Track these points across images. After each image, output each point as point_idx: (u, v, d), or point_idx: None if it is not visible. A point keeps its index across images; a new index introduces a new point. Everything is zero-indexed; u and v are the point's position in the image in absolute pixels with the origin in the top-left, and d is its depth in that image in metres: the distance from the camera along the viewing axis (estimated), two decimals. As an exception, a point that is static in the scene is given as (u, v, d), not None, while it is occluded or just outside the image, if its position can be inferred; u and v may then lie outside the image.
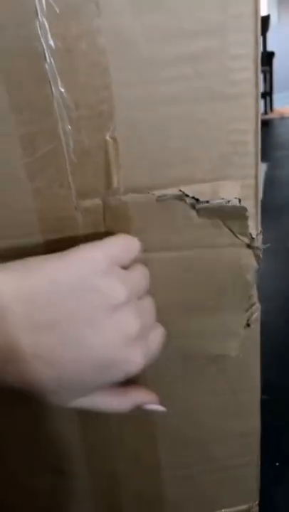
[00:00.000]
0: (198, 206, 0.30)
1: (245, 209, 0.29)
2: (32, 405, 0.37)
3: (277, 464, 0.55)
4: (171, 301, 0.33)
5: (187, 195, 0.30)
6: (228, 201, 0.30)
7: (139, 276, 0.27)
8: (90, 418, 0.38)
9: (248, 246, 0.31)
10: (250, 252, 0.31)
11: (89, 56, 0.26)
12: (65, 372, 0.24)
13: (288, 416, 0.62)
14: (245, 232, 0.30)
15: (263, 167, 2.15)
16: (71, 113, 0.27)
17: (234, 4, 0.25)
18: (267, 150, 2.65)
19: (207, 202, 0.30)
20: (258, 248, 0.31)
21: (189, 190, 0.30)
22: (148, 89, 0.27)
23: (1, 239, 0.30)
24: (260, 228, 0.32)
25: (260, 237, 0.32)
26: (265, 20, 3.79)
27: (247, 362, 0.37)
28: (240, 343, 0.35)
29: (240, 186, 0.30)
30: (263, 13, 4.29)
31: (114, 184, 0.29)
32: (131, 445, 0.40)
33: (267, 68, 3.97)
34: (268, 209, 1.53)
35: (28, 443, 0.39)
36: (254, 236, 0.31)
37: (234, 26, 0.25)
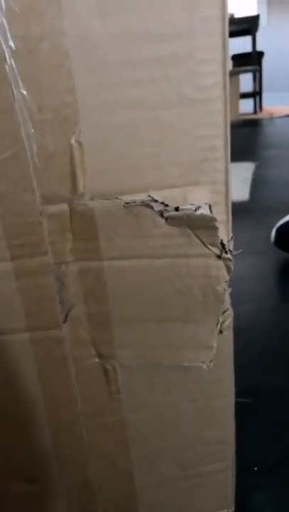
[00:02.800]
0: (166, 214, 0.29)
1: (214, 219, 0.29)
2: (1, 415, 0.37)
3: (255, 468, 0.55)
4: (141, 310, 0.32)
5: (156, 201, 0.29)
6: (198, 207, 0.29)
7: None
8: (61, 426, 0.38)
9: (219, 257, 0.30)
10: (220, 263, 0.30)
11: (52, 58, 0.25)
12: None
13: (270, 419, 0.62)
14: (215, 243, 0.30)
15: (250, 167, 2.15)
16: (34, 116, 0.26)
17: (201, 7, 0.24)
18: (255, 150, 2.65)
19: (176, 209, 0.29)
20: (228, 259, 0.30)
21: (158, 195, 0.29)
22: (113, 93, 0.26)
23: None
24: (231, 235, 0.31)
25: (232, 243, 0.31)
26: (255, 20, 3.80)
27: (220, 369, 0.36)
28: (212, 354, 0.34)
29: (210, 192, 0.30)
30: (253, 12, 4.30)
31: (80, 189, 0.28)
32: (103, 452, 0.39)
33: (256, 68, 3.97)
34: (255, 209, 1.53)
35: (0, 454, 0.39)
36: (225, 243, 0.31)
37: (201, 30, 0.25)
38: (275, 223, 1.09)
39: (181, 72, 0.26)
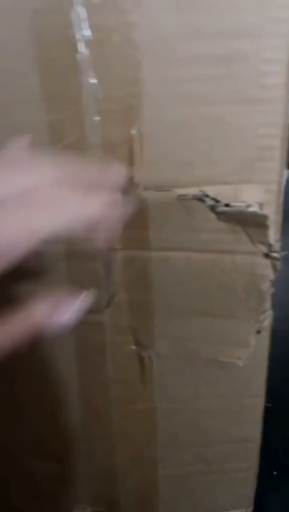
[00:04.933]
0: (218, 209, 0.29)
1: (266, 217, 0.29)
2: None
3: (275, 473, 0.54)
4: (183, 302, 0.33)
5: (208, 196, 0.30)
6: (249, 205, 0.30)
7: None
8: (92, 409, 0.39)
9: (266, 255, 0.30)
10: (267, 261, 0.30)
11: (122, 50, 0.26)
12: None
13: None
14: (264, 241, 0.30)
15: (285, 173, 2.12)
16: (99, 105, 0.27)
17: (274, 8, 0.25)
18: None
19: (227, 205, 0.30)
20: (276, 258, 0.30)
21: (211, 191, 0.30)
22: (178, 87, 0.27)
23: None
24: (279, 235, 0.32)
25: (279, 244, 0.32)
26: None
27: (254, 368, 0.36)
28: (249, 352, 0.34)
29: (262, 191, 0.30)
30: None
31: (136, 179, 0.29)
32: (131, 439, 0.40)
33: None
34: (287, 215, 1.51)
35: (30, 431, 0.40)
36: (272, 243, 0.31)
37: (271, 30, 0.25)
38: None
39: (246, 70, 0.26)
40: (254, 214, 0.29)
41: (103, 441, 0.40)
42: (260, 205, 0.30)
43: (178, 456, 0.41)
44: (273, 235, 0.31)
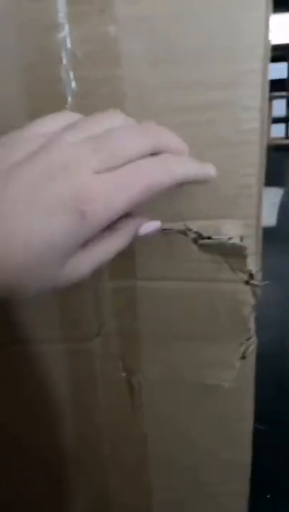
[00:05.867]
0: (200, 242, 0.31)
1: (244, 248, 0.31)
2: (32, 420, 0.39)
3: (268, 496, 0.55)
4: (170, 329, 0.34)
5: (191, 230, 0.32)
6: (230, 238, 0.31)
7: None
8: (84, 434, 0.40)
9: (247, 283, 0.32)
10: (248, 288, 0.32)
11: (108, 101, 0.28)
12: (29, 234, 0.19)
13: (284, 448, 0.62)
14: (244, 269, 0.32)
15: (279, 193, 2.15)
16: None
17: (244, 61, 0.27)
18: (285, 175, 2.65)
19: (209, 238, 0.32)
20: (256, 285, 0.32)
21: (193, 225, 0.32)
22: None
23: None
24: (260, 265, 0.33)
25: (260, 274, 0.33)
26: (287, 48, 3.84)
27: (241, 393, 0.38)
28: (235, 374, 0.36)
29: (242, 225, 0.32)
30: (286, 40, 4.33)
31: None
32: (123, 464, 0.41)
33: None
34: (282, 235, 1.53)
35: (24, 456, 0.41)
36: (253, 273, 0.33)
37: (245, 80, 0.27)
38: (301, 251, 1.09)
39: (224, 117, 0.28)
40: (234, 246, 0.31)
41: (95, 466, 0.41)
42: (241, 238, 0.32)
43: (171, 480, 0.42)
44: (254, 265, 0.33)
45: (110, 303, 0.35)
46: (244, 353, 0.35)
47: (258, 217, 0.32)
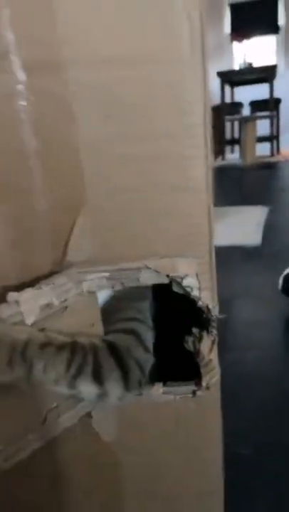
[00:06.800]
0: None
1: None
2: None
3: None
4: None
5: (149, 268, 0.34)
6: (184, 276, 0.33)
7: None
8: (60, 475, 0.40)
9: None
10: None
11: (66, 155, 0.30)
12: None
13: (267, 473, 0.62)
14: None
15: (264, 211, 2.18)
16: (49, 200, 0.31)
17: (187, 115, 0.29)
18: (270, 193, 2.71)
19: (167, 276, 0.33)
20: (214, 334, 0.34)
21: (151, 264, 0.33)
22: (115, 182, 0.31)
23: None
24: (216, 300, 0.35)
25: (217, 308, 0.35)
26: (273, 69, 3.97)
27: (208, 422, 0.39)
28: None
29: (196, 263, 0.34)
30: (272, 62, 4.48)
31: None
32: (96, 494, 0.41)
33: (274, 113, 4.11)
34: (266, 254, 1.56)
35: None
36: (211, 308, 0.34)
37: (188, 133, 0.30)
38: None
39: (169, 166, 0.30)
40: (188, 283, 0.33)
41: (71, 498, 0.42)
42: (196, 275, 0.34)
43: (145, 509, 0.43)
44: (210, 300, 0.35)
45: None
46: (207, 384, 0.37)
47: (211, 254, 0.34)
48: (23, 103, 0.29)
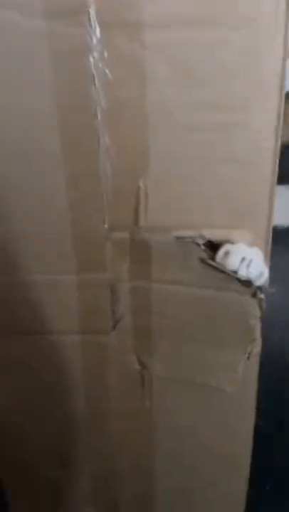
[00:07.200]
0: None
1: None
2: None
3: (267, 488, 0.57)
4: (180, 330, 0.37)
5: (204, 238, 0.34)
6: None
7: None
8: (96, 419, 0.43)
9: (254, 295, 0.34)
10: (254, 301, 0.34)
11: (133, 117, 0.31)
12: None
13: (282, 440, 0.64)
14: (250, 285, 0.34)
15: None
16: (113, 161, 0.32)
17: (263, 86, 0.29)
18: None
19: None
20: (261, 299, 0.34)
21: (206, 233, 0.34)
22: (179, 150, 0.31)
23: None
24: (267, 279, 0.35)
25: (268, 282, 0.36)
26: None
27: (244, 391, 0.40)
28: (238, 378, 0.38)
29: (252, 235, 0.34)
30: None
31: (141, 222, 0.34)
32: (130, 450, 0.44)
33: None
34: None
35: (42, 440, 0.44)
36: (261, 285, 0.35)
37: (260, 105, 0.30)
38: None
39: (238, 137, 0.30)
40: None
41: (104, 450, 0.44)
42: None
43: (173, 470, 0.45)
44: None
45: (127, 301, 0.37)
46: (249, 353, 0.38)
47: (268, 229, 0.34)
48: (97, 59, 0.29)
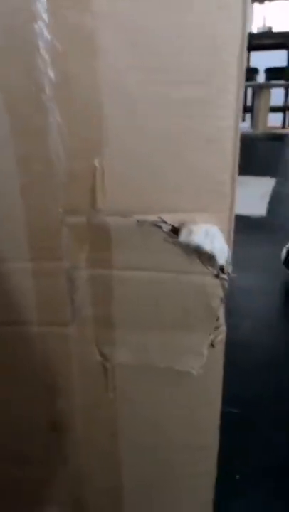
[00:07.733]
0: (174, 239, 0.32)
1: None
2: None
3: (237, 476, 0.57)
4: (142, 316, 0.36)
5: (165, 222, 0.33)
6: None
7: None
8: (59, 415, 0.41)
9: (216, 276, 0.33)
10: (217, 281, 0.33)
11: (85, 91, 0.28)
12: None
13: (256, 430, 0.64)
14: (213, 264, 0.33)
15: (271, 182, 2.15)
16: (65, 140, 0.30)
17: (221, 55, 0.28)
18: (278, 165, 2.66)
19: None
20: (224, 279, 0.33)
21: (168, 218, 0.33)
22: (136, 126, 0.29)
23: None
24: (230, 259, 0.34)
25: (230, 267, 0.34)
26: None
27: (209, 379, 0.39)
28: (204, 362, 0.37)
29: (214, 219, 0.33)
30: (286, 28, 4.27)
31: (99, 205, 0.32)
32: (95, 442, 0.43)
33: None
34: (270, 226, 1.55)
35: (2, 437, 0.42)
36: (224, 265, 0.34)
37: (220, 77, 0.28)
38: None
39: (198, 113, 0.29)
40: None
41: (69, 444, 0.43)
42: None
43: (139, 461, 0.44)
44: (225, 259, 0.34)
45: (86, 290, 0.36)
46: (213, 341, 0.37)
47: (231, 211, 0.33)
48: (42, 27, 0.27)
